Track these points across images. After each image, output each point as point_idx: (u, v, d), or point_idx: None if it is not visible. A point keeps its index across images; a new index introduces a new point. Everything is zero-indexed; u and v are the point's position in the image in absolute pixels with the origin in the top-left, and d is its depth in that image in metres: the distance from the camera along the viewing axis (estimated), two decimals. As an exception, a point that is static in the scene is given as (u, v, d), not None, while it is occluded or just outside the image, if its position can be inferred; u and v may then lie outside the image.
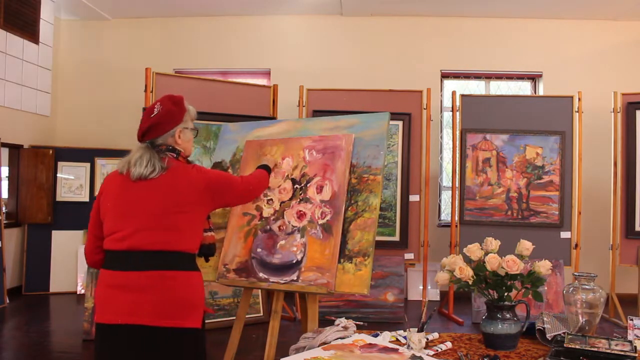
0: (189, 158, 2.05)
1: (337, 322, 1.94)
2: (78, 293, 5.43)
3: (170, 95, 2.00)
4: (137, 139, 1.94)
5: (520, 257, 2.00)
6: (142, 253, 1.77)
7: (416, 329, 2.01)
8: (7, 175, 5.47)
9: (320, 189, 2.46)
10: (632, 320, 1.98)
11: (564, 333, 1.86)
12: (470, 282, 1.97)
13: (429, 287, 5.42)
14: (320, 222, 2.40)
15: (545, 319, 2.00)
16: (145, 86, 4.43)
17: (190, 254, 1.87)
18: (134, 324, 1.71)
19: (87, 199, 5.68)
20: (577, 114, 4.76)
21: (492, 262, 1.96)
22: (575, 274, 2.13)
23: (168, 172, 1.85)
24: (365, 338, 1.86)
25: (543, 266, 1.98)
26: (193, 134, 2.05)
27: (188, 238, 1.85)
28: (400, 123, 4.82)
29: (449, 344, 1.99)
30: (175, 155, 1.93)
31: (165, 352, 1.75)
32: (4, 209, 5.13)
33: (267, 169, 2.48)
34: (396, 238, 4.76)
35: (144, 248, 1.77)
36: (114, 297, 1.76)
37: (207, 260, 2.32)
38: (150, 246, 1.77)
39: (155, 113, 1.92)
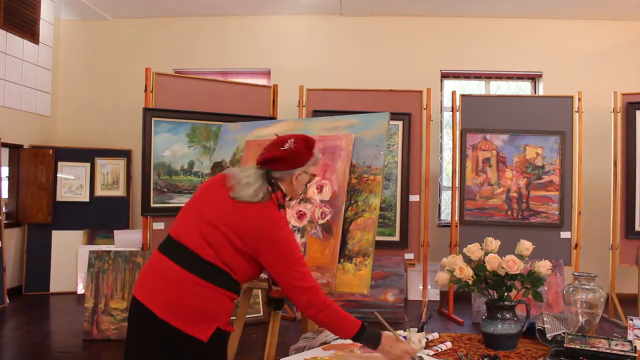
0: (287, 200, 1.96)
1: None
2: (78, 293, 5.43)
3: (307, 136, 1.96)
4: (256, 161, 1.92)
5: (520, 257, 2.00)
6: (182, 246, 1.79)
7: (416, 329, 2.01)
8: (7, 175, 5.47)
9: (320, 189, 2.46)
10: (632, 320, 1.98)
11: (564, 333, 1.86)
12: (470, 282, 1.97)
13: (429, 287, 5.42)
14: (320, 222, 2.40)
15: (545, 319, 2.00)
16: (145, 86, 4.43)
17: (223, 271, 1.78)
18: (146, 306, 1.75)
19: (87, 199, 5.68)
20: (577, 114, 4.76)
21: (492, 262, 1.96)
22: (575, 274, 2.13)
23: (256, 204, 1.81)
24: (365, 338, 1.86)
25: (543, 266, 1.99)
26: (309, 179, 1.99)
27: (225, 259, 1.78)
28: (400, 123, 4.82)
29: (449, 344, 1.99)
30: (271, 190, 1.86)
31: (164, 346, 1.76)
32: (4, 209, 5.13)
33: (368, 339, 1.83)
34: (396, 238, 4.76)
35: (186, 243, 1.78)
36: (146, 275, 1.82)
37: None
38: (191, 245, 1.78)
39: (286, 148, 1.89)
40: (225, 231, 1.76)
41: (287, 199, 1.94)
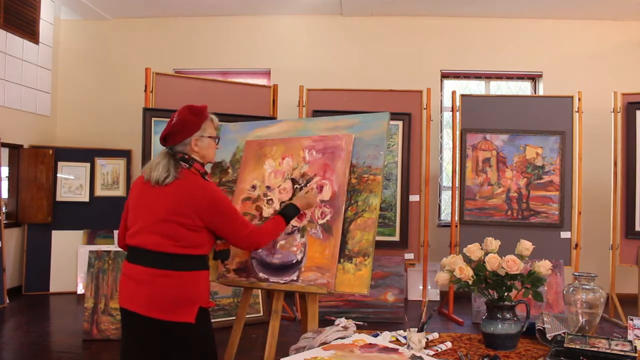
0: (206, 164, 2.14)
1: (337, 322, 1.95)
2: (78, 293, 5.43)
3: (191, 105, 2.09)
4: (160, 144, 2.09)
5: (520, 257, 2.00)
6: (143, 251, 1.95)
7: (416, 329, 2.00)
8: (7, 175, 5.47)
9: (320, 189, 2.46)
10: (632, 320, 1.98)
11: (564, 333, 1.86)
12: (470, 282, 1.97)
13: (429, 287, 5.42)
14: (320, 222, 2.40)
15: (545, 319, 2.00)
16: (145, 86, 4.43)
17: (189, 255, 1.96)
18: (134, 312, 1.91)
19: (87, 199, 5.69)
20: (577, 114, 4.76)
21: (492, 262, 1.96)
22: (575, 274, 2.13)
23: (178, 180, 1.97)
24: (365, 338, 1.86)
25: (543, 266, 1.98)
26: (214, 142, 2.14)
27: (185, 242, 1.95)
28: (400, 123, 4.82)
29: (449, 344, 1.99)
30: (187, 166, 2.02)
31: (158, 342, 1.91)
32: (4, 209, 5.13)
33: (291, 210, 2.30)
34: (396, 238, 4.76)
35: (146, 247, 1.94)
36: (125, 284, 1.99)
37: (222, 263, 2.46)
38: (150, 246, 1.94)
39: (174, 121, 2.04)
40: (173, 218, 1.92)
41: (205, 163, 2.11)
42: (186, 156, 2.04)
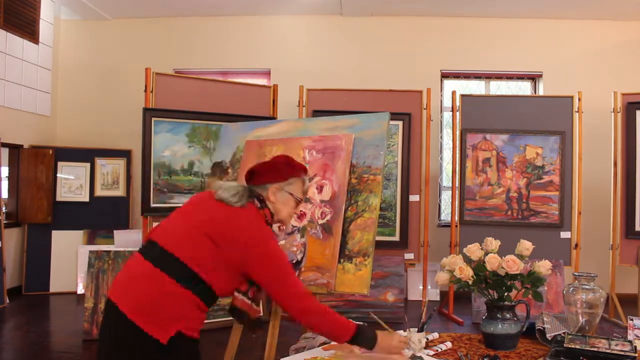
0: (275, 223, 1.95)
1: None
2: (78, 293, 5.43)
3: (289, 156, 2.01)
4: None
5: (520, 257, 2.00)
6: (156, 245, 1.77)
7: (416, 329, 2.01)
8: (7, 175, 5.46)
9: (320, 189, 2.46)
10: (632, 320, 1.98)
11: (564, 333, 1.86)
12: (470, 282, 1.97)
13: (429, 287, 5.41)
14: (320, 222, 2.40)
15: (545, 319, 2.00)
16: (145, 86, 4.43)
17: (198, 276, 1.72)
18: (115, 304, 1.71)
19: (87, 199, 5.68)
20: (577, 114, 4.76)
21: (492, 262, 1.96)
22: (575, 274, 2.13)
23: (241, 208, 1.80)
24: (365, 338, 1.86)
25: (543, 266, 1.99)
26: (293, 201, 1.94)
27: (199, 259, 1.73)
28: (400, 123, 4.82)
29: (449, 344, 1.99)
30: (260, 206, 1.86)
31: (127, 348, 1.70)
32: (4, 209, 5.13)
33: (366, 339, 1.84)
34: (396, 238, 4.76)
35: (165, 247, 1.75)
36: (120, 275, 1.80)
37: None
38: (170, 248, 1.74)
39: (264, 161, 1.98)
40: (212, 234, 1.73)
41: (275, 220, 1.91)
42: (261, 197, 1.88)
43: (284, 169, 1.92)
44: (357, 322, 1.83)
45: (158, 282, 1.70)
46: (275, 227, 2.44)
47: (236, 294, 1.88)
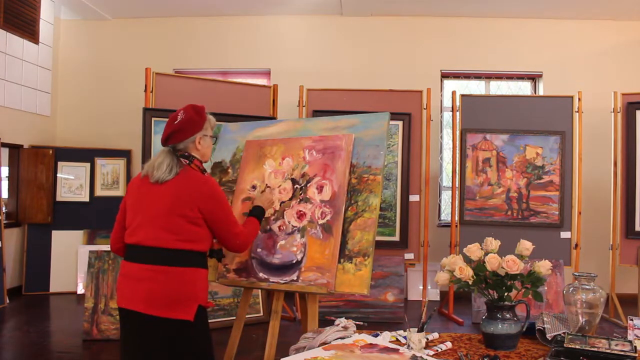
0: (205, 165, 2.18)
1: (337, 322, 1.94)
2: (78, 293, 5.43)
3: (193, 104, 2.16)
4: (160, 143, 2.11)
5: (520, 257, 2.00)
6: (143, 248, 1.96)
7: (416, 329, 2.00)
8: (7, 175, 5.47)
9: (320, 189, 2.46)
10: (632, 320, 1.98)
11: (564, 333, 1.86)
12: (470, 282, 1.97)
13: (429, 287, 5.42)
14: (320, 222, 2.40)
15: (545, 319, 2.00)
16: (145, 86, 4.43)
17: (189, 251, 1.98)
18: (133, 310, 1.91)
19: (87, 199, 5.69)
20: (577, 114, 4.76)
21: (492, 262, 1.96)
22: (575, 274, 2.13)
23: (178, 176, 2.02)
24: (366, 338, 1.86)
25: (543, 266, 1.98)
26: (212, 141, 2.21)
27: (187, 237, 1.97)
28: (400, 123, 4.82)
29: (449, 344, 1.99)
30: (188, 162, 2.07)
31: (156, 340, 1.91)
32: (4, 209, 5.13)
33: (258, 213, 2.38)
34: (396, 238, 4.76)
35: (146, 243, 1.95)
36: (123, 284, 1.98)
37: (219, 261, 2.45)
38: (150, 242, 1.95)
39: (179, 120, 2.09)
40: (174, 210, 1.95)
41: (204, 161, 2.15)
42: (186, 153, 2.08)
43: (198, 118, 2.11)
44: (252, 212, 2.36)
45: (161, 275, 1.91)
46: (275, 226, 2.46)
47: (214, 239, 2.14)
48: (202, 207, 1.99)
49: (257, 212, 2.37)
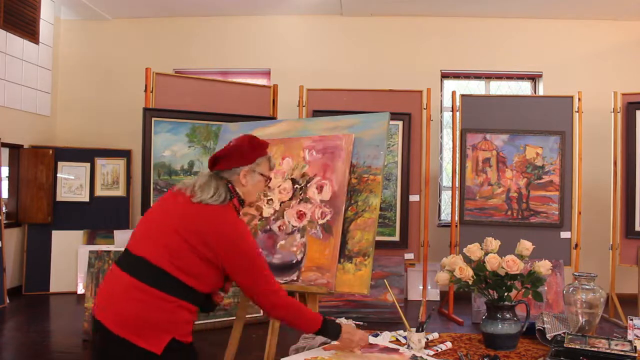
0: (246, 206, 1.96)
1: (337, 322, 1.94)
2: (78, 293, 5.43)
3: (253, 136, 1.97)
4: (207, 166, 1.94)
5: (520, 257, 2.00)
6: (140, 260, 1.72)
7: (415, 329, 2.00)
8: (7, 175, 5.47)
9: (320, 189, 2.46)
10: (632, 320, 1.98)
11: (564, 333, 1.86)
12: (470, 282, 1.97)
13: (429, 287, 5.42)
14: (320, 222, 2.40)
15: (545, 319, 2.00)
16: (145, 86, 4.43)
17: (183, 282, 1.70)
18: (102, 323, 1.68)
19: (87, 199, 5.69)
20: (577, 114, 4.76)
21: (492, 262, 1.96)
22: (575, 274, 2.13)
23: (214, 206, 1.77)
24: (365, 338, 1.86)
25: (543, 266, 1.98)
26: (263, 181, 1.95)
27: (183, 267, 1.70)
28: (400, 123, 4.82)
29: (449, 344, 1.99)
30: (229, 197, 1.83)
31: None
32: (4, 209, 5.13)
33: (332, 331, 1.84)
34: (396, 238, 4.76)
35: (145, 257, 1.72)
36: (102, 290, 1.75)
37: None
38: (150, 257, 1.71)
39: (230, 145, 1.92)
40: (187, 237, 1.70)
41: (246, 204, 1.92)
42: (230, 185, 1.85)
43: (251, 150, 1.91)
44: (325, 316, 1.86)
45: (138, 292, 1.66)
46: (275, 226, 2.45)
47: (220, 292, 1.88)
48: (221, 252, 1.71)
49: (329, 326, 1.84)
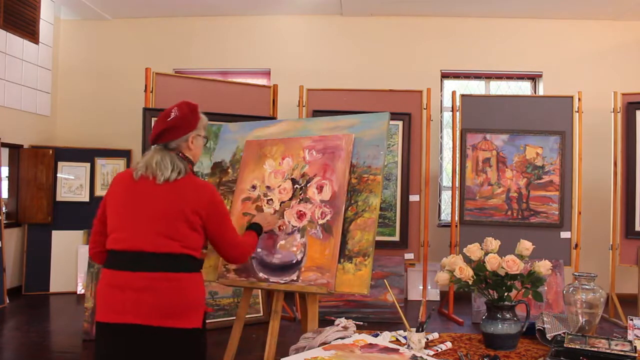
0: (204, 165, 2.11)
1: (337, 322, 1.94)
2: (78, 293, 5.43)
3: (187, 101, 2.07)
4: (149, 141, 2.00)
5: (520, 257, 2.00)
6: (139, 254, 1.79)
7: (414, 329, 2.00)
8: (7, 175, 5.47)
9: (320, 189, 2.46)
10: (632, 320, 1.98)
11: (564, 333, 1.86)
12: (470, 282, 1.97)
13: (429, 287, 5.42)
14: (320, 222, 2.40)
15: (545, 319, 2.00)
16: (145, 86, 4.43)
17: (189, 255, 1.85)
18: (134, 324, 1.73)
19: (87, 199, 5.68)
20: (577, 114, 4.76)
21: (492, 262, 1.96)
22: (575, 274, 2.13)
23: (183, 179, 1.89)
24: (366, 338, 1.86)
25: (543, 266, 1.98)
26: (204, 141, 2.11)
27: (186, 243, 1.84)
28: (400, 123, 4.82)
29: (449, 344, 1.99)
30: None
31: (165, 352, 1.77)
32: (4, 209, 5.13)
33: (257, 229, 2.32)
34: (396, 238, 4.76)
35: (143, 249, 1.79)
36: (114, 296, 1.77)
37: None
38: (149, 247, 1.79)
39: (172, 117, 1.98)
40: (177, 215, 1.83)
41: (194, 164, 2.05)
42: (180, 154, 1.96)
43: (192, 115, 2.03)
44: (251, 228, 2.31)
45: (163, 282, 1.77)
46: (275, 226, 2.46)
47: (203, 250, 2.05)
48: (203, 213, 1.87)
49: (256, 227, 2.32)
